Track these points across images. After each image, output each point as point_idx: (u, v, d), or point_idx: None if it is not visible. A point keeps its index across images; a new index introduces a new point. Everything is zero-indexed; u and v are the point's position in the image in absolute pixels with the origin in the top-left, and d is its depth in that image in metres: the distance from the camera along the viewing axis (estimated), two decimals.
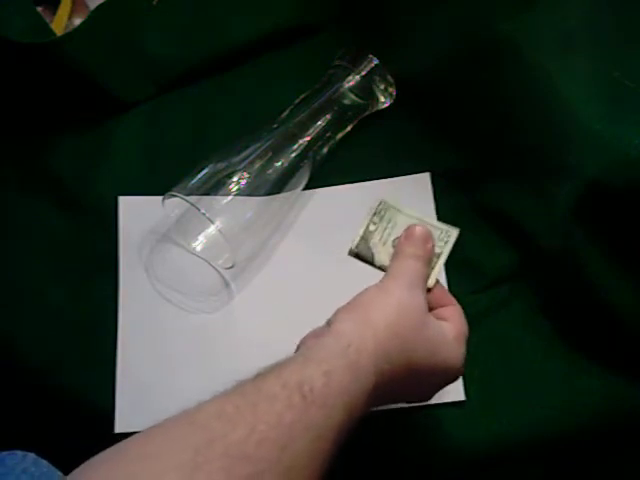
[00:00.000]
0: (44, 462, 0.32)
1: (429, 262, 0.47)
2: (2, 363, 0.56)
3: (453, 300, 0.48)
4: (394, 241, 0.51)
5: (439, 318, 0.46)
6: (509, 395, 0.54)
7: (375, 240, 0.52)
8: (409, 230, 0.48)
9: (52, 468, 0.32)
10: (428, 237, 0.47)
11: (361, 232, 0.52)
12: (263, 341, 0.54)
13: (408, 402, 0.49)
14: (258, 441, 0.35)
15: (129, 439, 0.35)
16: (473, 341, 0.55)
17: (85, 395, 0.54)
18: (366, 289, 0.45)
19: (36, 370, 0.56)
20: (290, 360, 0.40)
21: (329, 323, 0.43)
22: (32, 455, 0.32)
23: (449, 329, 0.46)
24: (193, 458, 0.33)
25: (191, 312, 0.57)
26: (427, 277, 0.47)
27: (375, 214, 0.52)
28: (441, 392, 0.53)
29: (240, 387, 0.38)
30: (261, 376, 0.38)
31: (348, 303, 0.44)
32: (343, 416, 0.38)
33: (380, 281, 0.46)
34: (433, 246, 0.48)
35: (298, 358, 0.40)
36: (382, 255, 0.50)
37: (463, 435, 0.53)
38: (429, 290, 0.47)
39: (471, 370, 0.54)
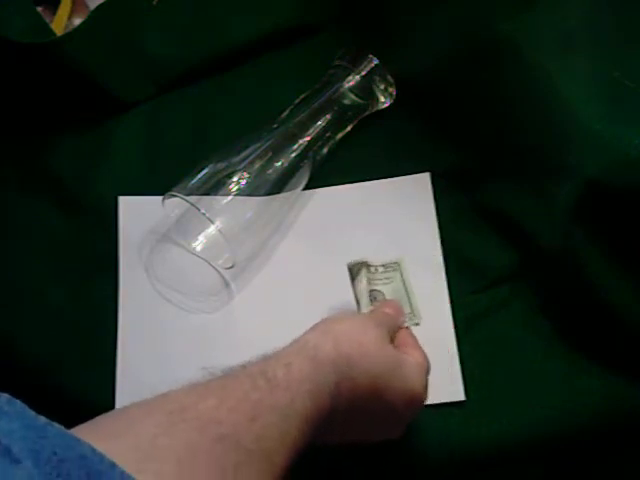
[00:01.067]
0: (18, 402, 0.33)
1: (395, 325, 0.50)
2: (2, 363, 0.56)
3: (416, 341, 0.50)
4: (372, 293, 0.52)
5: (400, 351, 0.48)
6: (509, 395, 0.54)
7: (361, 285, 0.54)
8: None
9: (26, 408, 0.32)
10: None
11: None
12: (263, 341, 0.54)
13: (376, 436, 0.48)
14: (229, 409, 0.36)
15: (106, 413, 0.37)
16: (473, 341, 0.56)
17: (85, 395, 0.54)
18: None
19: (36, 370, 0.56)
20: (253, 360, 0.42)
21: None
22: (6, 395, 0.33)
23: (411, 357, 0.47)
24: (167, 419, 0.35)
25: (191, 312, 0.57)
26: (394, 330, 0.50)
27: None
28: (441, 392, 0.53)
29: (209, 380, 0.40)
30: (228, 371, 0.41)
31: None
32: (308, 403, 0.39)
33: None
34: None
35: (260, 358, 0.42)
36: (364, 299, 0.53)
37: (463, 435, 0.53)
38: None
39: (471, 370, 0.54)
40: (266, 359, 0.42)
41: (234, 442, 0.36)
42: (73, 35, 0.59)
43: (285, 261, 0.59)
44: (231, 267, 0.57)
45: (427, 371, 0.48)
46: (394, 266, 0.54)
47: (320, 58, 0.64)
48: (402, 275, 0.54)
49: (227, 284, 0.58)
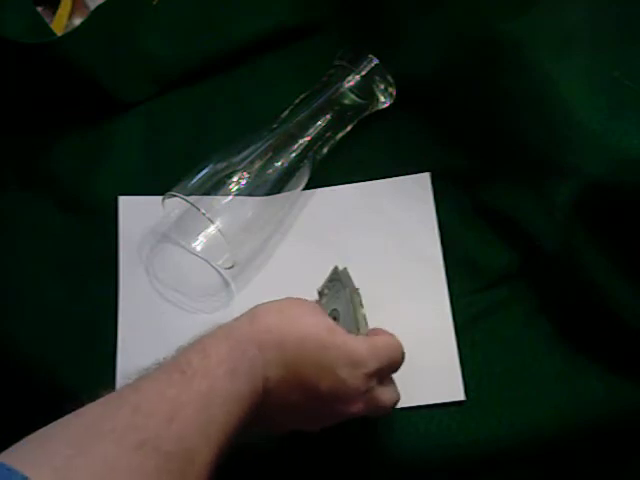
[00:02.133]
0: None
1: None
2: (2, 363, 0.56)
3: (387, 332, 0.48)
4: (332, 311, 0.52)
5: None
6: (509, 395, 0.54)
7: (323, 301, 0.54)
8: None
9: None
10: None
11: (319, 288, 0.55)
12: None
13: (309, 422, 0.47)
14: (145, 414, 0.36)
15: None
16: (473, 341, 0.56)
17: (85, 395, 0.54)
18: None
19: (36, 370, 0.56)
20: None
21: None
22: None
23: (363, 342, 0.45)
24: (83, 437, 0.35)
25: (191, 312, 0.57)
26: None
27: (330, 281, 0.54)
28: (441, 392, 0.53)
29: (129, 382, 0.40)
30: (143, 371, 0.41)
31: None
32: (230, 384, 0.39)
33: None
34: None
35: (176, 350, 0.42)
36: None
37: (463, 435, 0.53)
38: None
39: (471, 370, 0.54)
40: (181, 350, 0.41)
41: (153, 447, 0.35)
42: (73, 35, 0.59)
43: (285, 261, 0.59)
44: (231, 267, 0.57)
45: (389, 354, 0.46)
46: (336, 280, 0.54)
47: (320, 58, 0.64)
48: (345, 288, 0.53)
49: (227, 284, 0.58)
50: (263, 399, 0.41)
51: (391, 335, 0.47)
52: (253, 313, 0.44)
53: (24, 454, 0.35)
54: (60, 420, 0.37)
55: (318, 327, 0.44)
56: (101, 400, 0.38)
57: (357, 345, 0.44)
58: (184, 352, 0.41)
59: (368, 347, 0.45)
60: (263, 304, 0.45)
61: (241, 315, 0.45)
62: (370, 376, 0.44)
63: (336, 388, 0.43)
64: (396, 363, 0.47)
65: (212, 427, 0.38)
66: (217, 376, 0.39)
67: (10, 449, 0.35)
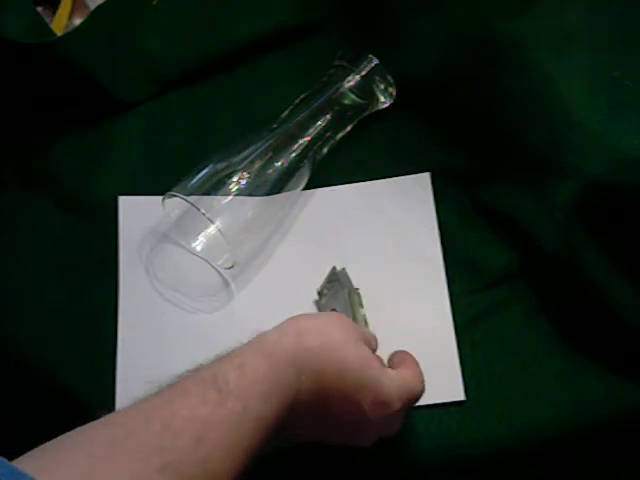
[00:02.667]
0: None
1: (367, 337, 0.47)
2: (2, 363, 0.56)
3: (415, 362, 0.48)
4: (331, 312, 0.52)
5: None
6: (509, 395, 0.54)
7: (322, 302, 0.54)
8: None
9: None
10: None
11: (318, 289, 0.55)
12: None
13: (343, 438, 0.46)
14: (174, 434, 0.35)
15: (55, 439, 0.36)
16: (473, 341, 0.56)
17: (85, 395, 0.54)
18: None
19: (36, 370, 0.56)
20: (209, 361, 0.41)
21: None
22: None
23: (397, 372, 0.45)
24: (109, 448, 0.34)
25: (191, 312, 0.57)
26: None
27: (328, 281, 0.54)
28: (441, 392, 0.53)
29: (159, 388, 0.39)
30: (181, 377, 0.40)
31: None
32: (262, 406, 0.38)
33: None
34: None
35: (215, 358, 0.41)
36: None
37: (463, 435, 0.53)
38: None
39: (471, 370, 0.54)
40: (220, 360, 0.40)
41: (177, 471, 0.35)
42: (73, 35, 0.59)
43: (285, 261, 0.59)
44: (231, 267, 0.57)
45: (413, 392, 0.46)
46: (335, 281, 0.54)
47: (320, 58, 0.64)
48: (343, 289, 0.53)
49: (227, 284, 0.58)
50: (293, 411, 0.41)
51: (417, 368, 0.47)
52: (298, 330, 0.42)
53: (52, 460, 0.34)
54: (87, 426, 0.36)
55: (357, 360, 0.43)
56: (131, 409, 0.37)
57: (388, 384, 0.44)
58: (221, 364, 0.40)
59: (397, 388, 0.44)
60: (305, 318, 0.44)
61: (283, 326, 0.43)
62: (391, 415, 0.44)
63: (356, 419, 0.44)
64: (417, 399, 0.47)
65: (238, 449, 0.37)
66: (251, 396, 0.38)
67: (38, 451, 0.35)
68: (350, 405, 0.43)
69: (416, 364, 0.48)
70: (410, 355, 0.49)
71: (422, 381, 0.47)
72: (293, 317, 0.44)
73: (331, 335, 0.43)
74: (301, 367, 0.41)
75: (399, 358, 0.48)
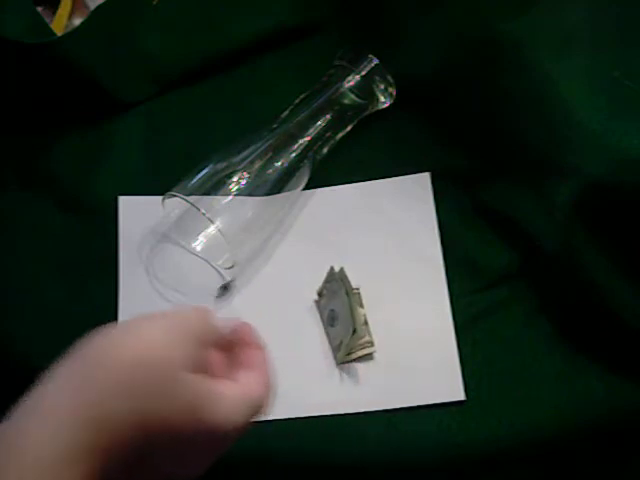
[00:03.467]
0: None
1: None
2: (2, 363, 0.56)
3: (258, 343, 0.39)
4: (330, 312, 0.52)
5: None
6: (509, 395, 0.54)
7: (322, 302, 0.55)
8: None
9: None
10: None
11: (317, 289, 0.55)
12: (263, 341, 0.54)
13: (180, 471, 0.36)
14: None
15: None
16: (473, 341, 0.56)
17: None
18: None
19: (36, 370, 0.55)
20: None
21: None
22: None
23: (233, 384, 0.35)
24: None
25: None
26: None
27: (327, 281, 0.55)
28: (441, 392, 0.53)
29: None
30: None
31: None
32: None
33: None
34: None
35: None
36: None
37: (463, 435, 0.53)
38: None
39: (471, 370, 0.54)
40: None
41: None
42: (73, 35, 0.59)
43: (285, 261, 0.59)
44: (231, 267, 0.57)
45: (255, 404, 0.36)
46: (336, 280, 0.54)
47: (320, 58, 0.64)
48: (345, 288, 0.53)
49: (227, 284, 0.58)
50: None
51: (264, 370, 0.38)
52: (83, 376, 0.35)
53: None
54: None
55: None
56: None
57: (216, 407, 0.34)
58: None
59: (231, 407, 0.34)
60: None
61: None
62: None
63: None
64: (261, 408, 0.36)
65: None
66: None
67: None
68: (170, 441, 0.34)
69: (265, 364, 0.38)
70: (260, 351, 0.39)
71: (267, 385, 0.37)
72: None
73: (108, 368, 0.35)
74: (85, 428, 0.33)
75: (247, 359, 0.38)
